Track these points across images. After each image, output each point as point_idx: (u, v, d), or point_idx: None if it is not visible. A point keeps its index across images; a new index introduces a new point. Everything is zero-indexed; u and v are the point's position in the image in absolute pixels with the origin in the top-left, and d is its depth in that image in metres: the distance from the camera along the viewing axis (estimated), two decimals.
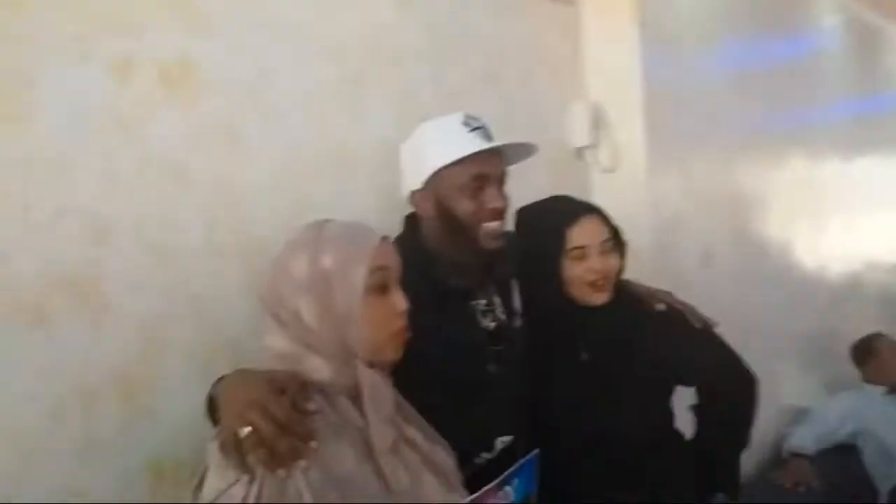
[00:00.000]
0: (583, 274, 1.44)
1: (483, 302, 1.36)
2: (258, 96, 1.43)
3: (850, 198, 3.45)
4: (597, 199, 2.19)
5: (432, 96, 1.76)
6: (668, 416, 1.62)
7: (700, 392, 1.63)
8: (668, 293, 1.63)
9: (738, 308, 2.56)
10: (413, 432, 1.10)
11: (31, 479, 1.12)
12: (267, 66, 1.45)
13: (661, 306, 1.55)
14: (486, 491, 1.18)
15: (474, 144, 1.27)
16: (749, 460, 2.55)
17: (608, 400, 1.48)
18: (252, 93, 1.42)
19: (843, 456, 2.63)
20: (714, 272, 2.44)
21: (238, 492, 0.90)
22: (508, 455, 1.32)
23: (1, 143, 1.11)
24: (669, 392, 1.60)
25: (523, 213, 1.55)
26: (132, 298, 1.24)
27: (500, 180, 1.33)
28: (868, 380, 2.78)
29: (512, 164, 1.39)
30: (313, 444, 0.94)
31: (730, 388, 1.59)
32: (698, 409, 1.65)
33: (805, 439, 2.60)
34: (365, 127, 1.60)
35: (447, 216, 1.30)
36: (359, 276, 1.03)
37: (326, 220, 1.10)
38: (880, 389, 2.69)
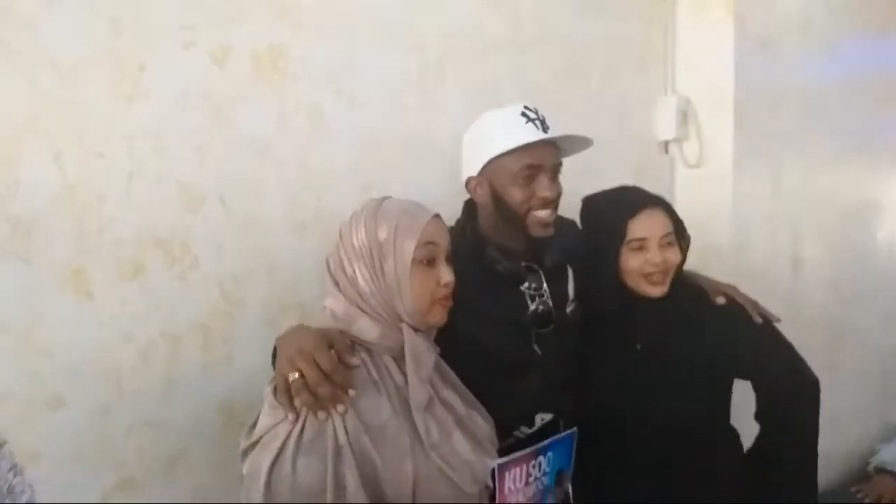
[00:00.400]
0: (641, 266, 1.46)
1: (533, 286, 1.42)
2: (341, 84, 1.56)
3: None
4: (679, 195, 2.22)
5: (511, 89, 1.82)
6: (723, 411, 1.61)
7: (758, 390, 1.61)
8: (733, 287, 1.62)
9: (828, 315, 2.47)
10: (450, 395, 1.19)
11: (122, 410, 1.31)
12: (351, 56, 1.57)
13: (721, 300, 1.55)
14: (519, 456, 1.25)
15: (528, 135, 1.33)
16: (833, 474, 2.47)
17: (658, 390, 1.50)
18: (336, 80, 1.55)
19: None
20: (803, 278, 2.36)
21: (283, 428, 1.03)
22: (548, 432, 1.38)
23: (114, 119, 1.30)
24: (725, 387, 1.59)
25: (588, 201, 1.58)
26: (216, 259, 1.40)
27: (553, 171, 1.37)
28: None
29: (567, 155, 1.43)
30: (351, 392, 1.05)
31: (789, 386, 1.57)
32: (759, 412, 1.63)
33: (894, 455, 2.46)
34: (443, 118, 1.68)
35: (499, 203, 1.37)
36: (408, 248, 1.12)
37: (386, 197, 1.20)
38: None
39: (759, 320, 1.54)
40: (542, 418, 1.40)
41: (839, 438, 2.53)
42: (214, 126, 1.40)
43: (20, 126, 1.22)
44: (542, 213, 1.35)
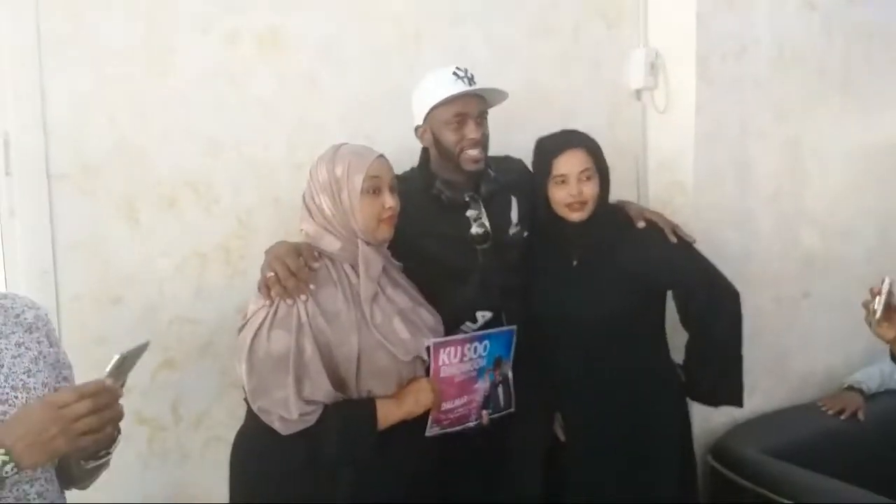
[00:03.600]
0: (563, 197, 1.78)
1: (474, 213, 1.77)
2: (331, 52, 1.92)
3: None
4: (650, 138, 2.49)
5: (484, 51, 2.12)
6: (649, 317, 1.91)
7: (677, 299, 1.91)
8: (658, 213, 1.92)
9: (803, 247, 2.68)
10: (395, 293, 1.57)
11: (162, 309, 1.77)
12: (339, 28, 1.93)
13: (641, 223, 1.86)
14: (455, 339, 1.61)
15: (456, 88, 1.67)
16: (811, 392, 2.71)
17: (592, 296, 1.83)
18: (326, 49, 1.92)
19: None
20: (777, 212, 2.58)
21: (262, 312, 1.44)
22: (488, 323, 1.75)
23: (152, 90, 1.72)
24: (650, 296, 1.89)
25: (537, 142, 1.89)
26: (234, 194, 1.82)
27: (479, 117, 1.71)
28: None
29: (492, 105, 1.76)
30: (312, 287, 1.45)
31: (705, 296, 1.86)
32: (681, 319, 1.93)
33: (868, 375, 2.62)
34: (420, 78, 1.92)
35: (439, 145, 1.73)
36: (358, 181, 1.50)
37: (343, 143, 1.57)
38: None
39: (673, 240, 1.83)
40: (483, 315, 1.76)
41: (816, 359, 2.77)
42: (229, 92, 1.80)
43: (85, 97, 1.66)
44: (473, 152, 1.69)
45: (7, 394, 1.06)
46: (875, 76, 2.80)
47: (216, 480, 1.66)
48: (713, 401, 2.02)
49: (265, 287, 1.45)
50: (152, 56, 1.72)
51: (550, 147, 1.81)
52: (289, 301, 1.43)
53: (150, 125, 1.72)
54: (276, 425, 1.42)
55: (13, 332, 1.13)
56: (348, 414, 1.47)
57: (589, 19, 2.36)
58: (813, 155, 2.65)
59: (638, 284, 1.83)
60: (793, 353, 2.70)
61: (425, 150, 1.82)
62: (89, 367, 1.61)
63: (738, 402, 1.96)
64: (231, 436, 1.59)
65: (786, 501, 2.06)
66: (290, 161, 1.87)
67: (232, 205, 1.82)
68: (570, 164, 1.77)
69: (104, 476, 1.68)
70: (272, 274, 1.44)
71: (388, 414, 1.49)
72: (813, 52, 2.59)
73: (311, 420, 1.43)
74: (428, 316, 1.62)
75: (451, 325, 1.70)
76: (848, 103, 2.73)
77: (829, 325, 2.76)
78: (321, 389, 1.43)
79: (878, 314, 1.51)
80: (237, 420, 1.59)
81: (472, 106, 1.70)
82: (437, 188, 1.76)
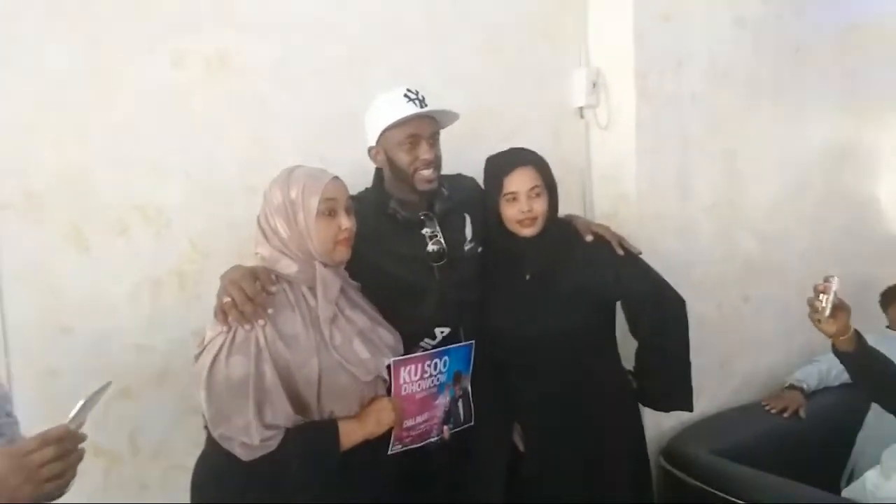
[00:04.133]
0: (514, 214, 1.82)
1: (429, 231, 1.80)
2: (280, 74, 1.93)
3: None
4: (594, 153, 2.56)
5: (431, 70, 2.16)
6: (601, 327, 1.96)
7: (626, 309, 1.97)
8: (605, 226, 1.98)
9: (742, 252, 2.80)
10: (354, 314, 1.57)
11: (115, 337, 1.73)
12: (287, 50, 1.94)
13: (589, 237, 1.91)
14: (414, 357, 1.63)
15: (408, 110, 1.69)
16: (753, 391, 2.81)
17: (544, 310, 1.87)
18: (275, 72, 1.92)
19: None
20: (717, 221, 2.69)
21: (220, 338, 1.43)
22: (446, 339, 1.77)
23: (98, 113, 1.69)
24: (600, 307, 1.94)
25: (487, 161, 1.93)
26: (185, 220, 1.80)
27: (431, 138, 1.74)
28: (891, 326, 2.85)
29: (444, 126, 1.80)
30: (270, 311, 1.45)
31: (652, 305, 1.92)
32: (631, 329, 1.99)
33: (807, 373, 2.74)
34: (370, 98, 1.92)
35: (392, 166, 1.75)
36: (313, 203, 1.51)
37: (297, 166, 1.58)
38: None
39: (620, 252, 1.89)
40: (441, 331, 1.78)
41: (758, 361, 2.89)
42: (177, 114, 1.79)
43: (28, 122, 1.62)
44: (426, 172, 1.72)
45: None
46: (802, 88, 2.96)
47: None
48: (665, 406, 2.08)
49: (221, 313, 1.44)
50: (96, 79, 1.69)
51: (500, 165, 1.85)
52: (246, 326, 1.42)
53: (96, 150, 1.70)
54: (238, 451, 1.41)
55: None
56: (310, 436, 1.46)
57: (532, 40, 2.43)
58: (748, 164, 2.77)
59: (589, 297, 1.88)
60: (735, 356, 2.81)
61: (379, 171, 1.83)
62: (41, 400, 1.60)
63: (688, 406, 2.02)
64: (192, 463, 1.57)
65: (735, 500, 2.14)
66: (242, 183, 1.86)
67: (184, 229, 1.80)
68: (520, 181, 1.81)
69: None
70: (228, 299, 1.43)
71: (351, 434, 1.50)
72: (745, 66, 2.72)
73: (273, 445, 1.42)
74: (387, 335, 1.63)
75: (410, 343, 1.72)
76: (779, 114, 2.87)
77: (769, 328, 2.89)
78: (282, 413, 1.43)
79: (827, 311, 1.60)
80: (198, 447, 1.57)
81: (425, 127, 1.73)
82: (392, 208, 1.78)
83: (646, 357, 2.01)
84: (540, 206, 1.82)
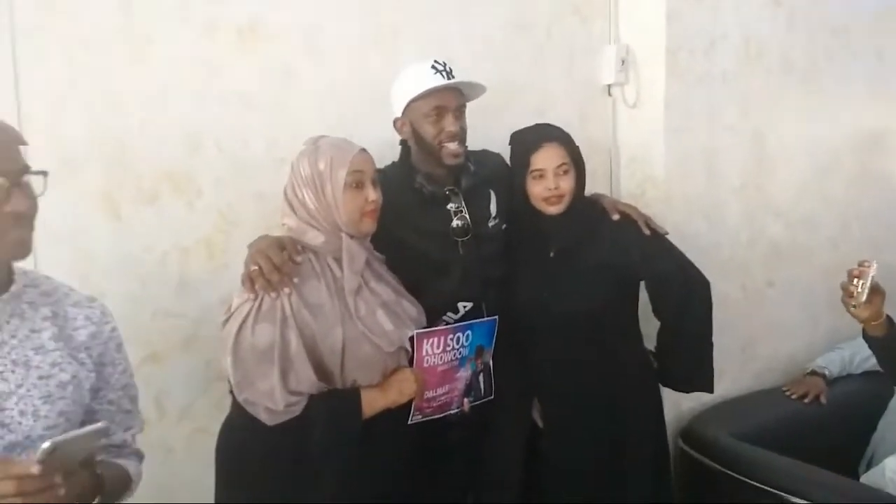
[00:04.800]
0: (541, 191, 1.82)
1: (454, 206, 1.80)
2: (310, 45, 1.93)
3: None
4: (620, 132, 2.54)
5: (459, 44, 2.15)
6: (625, 307, 1.97)
7: (650, 289, 1.97)
8: (632, 206, 1.98)
9: (768, 236, 2.77)
10: (378, 286, 1.59)
11: (146, 302, 1.76)
12: (318, 21, 1.93)
13: (615, 216, 1.91)
14: (437, 330, 1.65)
15: (435, 81, 1.70)
16: (776, 377, 2.80)
17: (569, 287, 1.87)
18: (305, 43, 1.92)
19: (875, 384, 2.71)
20: (744, 204, 2.66)
21: (247, 305, 1.45)
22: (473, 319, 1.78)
23: (131, 81, 1.71)
24: (624, 286, 1.95)
25: (513, 136, 1.93)
26: (215, 189, 1.82)
27: (457, 111, 1.74)
28: None
29: (471, 99, 1.80)
30: (295, 280, 1.47)
31: (677, 286, 1.92)
32: (654, 308, 1.99)
33: (830, 360, 2.72)
34: (399, 71, 1.92)
35: (418, 138, 1.75)
36: (341, 175, 1.52)
37: (321, 136, 1.58)
38: None
39: (647, 232, 1.89)
40: (464, 306, 1.79)
41: (781, 345, 2.87)
42: (208, 83, 1.80)
43: (62, 89, 1.64)
44: (451, 146, 1.72)
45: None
46: (836, 70, 2.90)
47: (202, 474, 1.66)
48: (686, 387, 2.08)
49: (249, 281, 1.46)
50: (130, 46, 1.70)
51: (527, 142, 1.84)
52: (273, 294, 1.44)
53: (128, 118, 1.71)
54: (262, 416, 1.44)
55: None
56: (333, 404, 1.49)
57: (562, 15, 2.40)
58: (778, 147, 2.73)
59: (614, 275, 1.88)
60: (758, 340, 2.79)
61: (405, 144, 1.84)
62: None
63: (709, 388, 2.03)
64: (216, 428, 1.60)
65: (753, 482, 2.14)
66: (270, 155, 1.87)
67: (213, 199, 1.82)
68: (547, 158, 1.81)
69: None
70: (256, 268, 1.45)
71: (373, 402, 1.52)
72: (778, 47, 2.67)
73: (297, 410, 1.45)
74: (411, 307, 1.65)
75: (433, 316, 1.73)
76: (811, 96, 2.82)
77: (793, 313, 2.87)
78: (306, 380, 1.45)
79: (863, 296, 1.59)
80: (222, 412, 1.60)
81: (451, 99, 1.73)
82: (418, 182, 1.78)
83: (668, 337, 2.00)
84: (567, 183, 1.82)
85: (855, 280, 1.60)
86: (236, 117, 1.84)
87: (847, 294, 1.62)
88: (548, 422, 1.98)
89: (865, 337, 1.71)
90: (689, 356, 2.00)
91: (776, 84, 2.69)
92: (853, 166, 3.06)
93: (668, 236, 1.95)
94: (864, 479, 2.24)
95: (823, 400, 2.59)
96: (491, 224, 1.86)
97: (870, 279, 1.59)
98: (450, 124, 1.72)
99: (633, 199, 2.32)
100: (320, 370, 1.48)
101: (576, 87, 2.45)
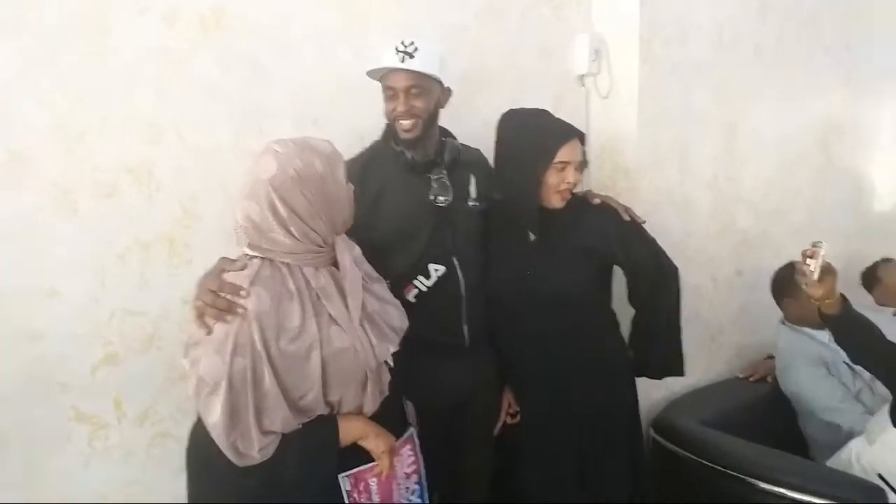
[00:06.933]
0: (558, 183, 1.82)
1: (436, 175, 1.82)
2: (277, 35, 1.86)
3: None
4: (593, 123, 2.51)
5: (431, 34, 2.10)
6: (602, 291, 1.99)
7: (627, 275, 1.97)
8: (609, 196, 1.98)
9: (737, 227, 2.78)
10: (365, 295, 1.47)
11: (104, 300, 1.69)
12: (285, 10, 1.87)
13: (596, 201, 1.93)
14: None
15: (385, 62, 1.73)
16: (741, 363, 2.83)
17: (550, 270, 1.88)
18: (272, 32, 1.86)
19: None
20: (717, 194, 2.67)
21: (207, 340, 1.32)
22: (446, 285, 1.80)
23: (89, 72, 1.63)
24: (603, 271, 1.96)
25: (512, 119, 1.89)
26: (177, 182, 1.75)
27: (407, 91, 1.75)
28: (879, 303, 2.88)
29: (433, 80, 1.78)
30: (242, 293, 1.33)
31: (651, 272, 1.94)
32: (630, 294, 1.99)
33: None
34: (368, 60, 1.88)
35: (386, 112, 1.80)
36: (341, 172, 1.45)
37: (278, 140, 1.41)
38: (889, 311, 2.79)
39: (627, 219, 1.89)
40: (435, 269, 1.80)
41: (748, 332, 2.90)
42: (170, 74, 1.73)
43: (15, 79, 1.55)
44: (403, 122, 1.77)
45: None
46: (807, 61, 2.91)
47: (163, 478, 1.62)
48: (657, 372, 2.09)
49: (199, 319, 1.35)
50: (87, 36, 1.62)
51: (555, 133, 1.84)
52: (228, 318, 1.32)
53: (86, 110, 1.63)
54: (230, 455, 1.31)
55: None
56: (308, 441, 1.38)
57: (535, 4, 2.36)
58: (749, 138, 2.74)
59: (594, 259, 1.90)
60: (727, 329, 2.81)
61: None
62: (20, 364, 1.57)
63: (680, 371, 2.05)
64: (178, 431, 1.55)
65: (724, 469, 2.15)
66: (236, 146, 1.81)
67: (175, 192, 1.75)
68: (573, 152, 1.83)
69: (43, 478, 1.63)
70: (200, 303, 1.34)
71: (352, 431, 1.44)
72: (751, 36, 2.67)
73: (269, 453, 1.34)
74: (395, 314, 1.56)
75: (405, 280, 1.77)
76: (782, 87, 2.83)
77: (761, 302, 2.88)
78: (280, 419, 1.34)
79: (815, 274, 1.68)
80: (184, 414, 1.55)
81: (400, 80, 1.75)
82: (400, 149, 1.81)
83: (641, 323, 2.04)
84: (578, 178, 1.85)
85: (808, 260, 1.70)
86: (200, 108, 1.77)
87: (801, 273, 1.71)
88: (525, 409, 1.98)
89: (821, 316, 1.79)
90: (661, 342, 2.02)
91: (749, 75, 2.69)
92: (820, 158, 3.09)
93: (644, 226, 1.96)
94: (830, 462, 2.26)
95: (770, 380, 2.64)
96: (469, 203, 1.88)
97: (821, 258, 1.68)
98: (399, 104, 1.76)
99: (603, 190, 2.29)
100: (296, 405, 1.37)
101: (549, 77, 2.42)
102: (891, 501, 1.95)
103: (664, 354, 2.03)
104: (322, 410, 1.42)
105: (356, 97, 1.94)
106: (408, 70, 1.73)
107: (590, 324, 1.94)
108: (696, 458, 2.24)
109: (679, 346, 2.03)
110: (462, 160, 1.87)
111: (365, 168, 1.79)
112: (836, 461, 2.23)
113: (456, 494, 1.91)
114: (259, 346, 1.31)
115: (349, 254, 1.46)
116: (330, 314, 1.41)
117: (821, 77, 2.98)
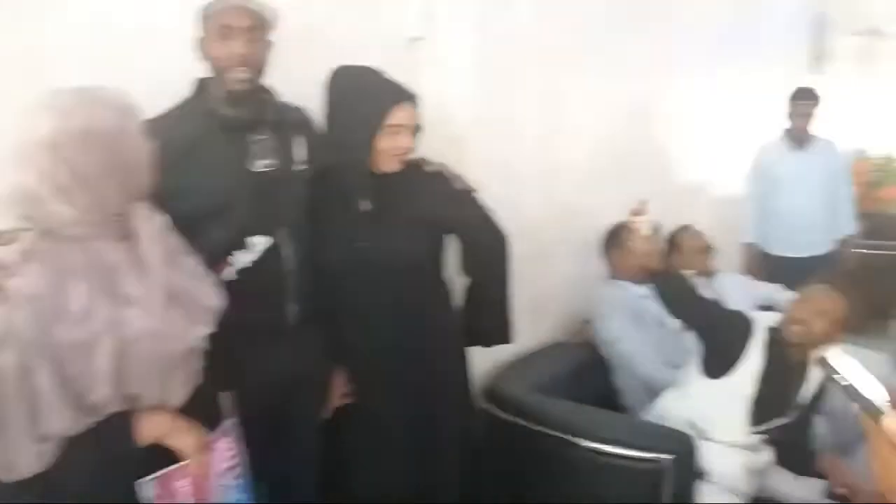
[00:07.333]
0: (392, 147, 1.73)
1: (258, 136, 1.64)
2: None
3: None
4: (425, 90, 2.44)
5: None
6: (437, 261, 1.94)
7: (462, 243, 1.96)
8: (442, 164, 1.93)
9: (564, 197, 2.87)
10: (172, 272, 1.31)
11: None
12: None
13: (430, 168, 1.89)
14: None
15: None
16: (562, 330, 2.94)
17: (386, 238, 1.81)
18: None
19: None
20: (549, 166, 2.75)
21: None
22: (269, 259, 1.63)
23: None
24: (437, 240, 1.92)
25: (341, 77, 1.78)
26: None
27: (248, 33, 1.57)
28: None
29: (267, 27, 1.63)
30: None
31: (485, 239, 1.95)
32: (463, 263, 1.98)
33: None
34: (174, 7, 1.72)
35: (209, 59, 1.59)
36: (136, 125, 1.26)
37: (64, 90, 1.23)
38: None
39: (460, 187, 1.85)
40: (256, 242, 1.63)
41: (572, 299, 3.01)
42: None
43: None
44: (238, 71, 1.57)
45: None
46: (629, 38, 3.04)
47: None
48: (487, 340, 2.11)
49: None
50: None
51: (386, 94, 1.75)
52: None
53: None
54: None
55: None
56: (99, 444, 1.19)
57: None
58: (572, 108, 2.82)
59: (428, 228, 1.86)
60: (551, 296, 2.91)
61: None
62: None
63: (509, 339, 2.10)
64: None
65: (553, 433, 2.21)
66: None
67: None
68: (408, 115, 1.75)
69: None
70: None
71: (159, 426, 1.26)
72: (577, 4, 2.73)
73: (45, 463, 1.14)
74: (208, 291, 1.39)
75: (221, 254, 1.58)
76: (601, 58, 2.93)
77: (584, 269, 3.02)
78: (59, 421, 1.15)
79: (645, 230, 1.82)
80: None
81: (242, 18, 1.56)
82: (216, 107, 1.61)
83: (474, 292, 2.03)
84: (412, 143, 1.78)
85: (636, 217, 1.80)
86: None
87: (630, 230, 1.82)
88: (361, 385, 1.90)
89: (645, 271, 1.94)
90: (493, 310, 2.04)
91: (573, 44, 2.75)
92: (631, 133, 3.26)
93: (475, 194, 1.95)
94: (646, 416, 2.41)
95: (592, 342, 2.78)
96: (296, 168, 1.73)
97: (649, 216, 1.79)
98: (238, 46, 1.55)
99: (434, 158, 2.25)
100: (81, 403, 1.18)
101: (378, 39, 2.31)
102: (700, 448, 2.11)
103: (495, 323, 2.04)
104: (117, 407, 1.23)
105: (162, 37, 1.72)
106: (251, 8, 1.55)
107: (425, 296, 1.90)
108: (524, 423, 2.30)
109: (509, 314, 2.04)
110: (287, 120, 1.71)
111: (170, 126, 1.55)
112: (652, 414, 2.38)
113: (286, 483, 1.78)
114: (30, 334, 1.11)
115: (149, 224, 1.28)
116: (127, 294, 1.22)
117: (639, 47, 3.13)
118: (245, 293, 1.54)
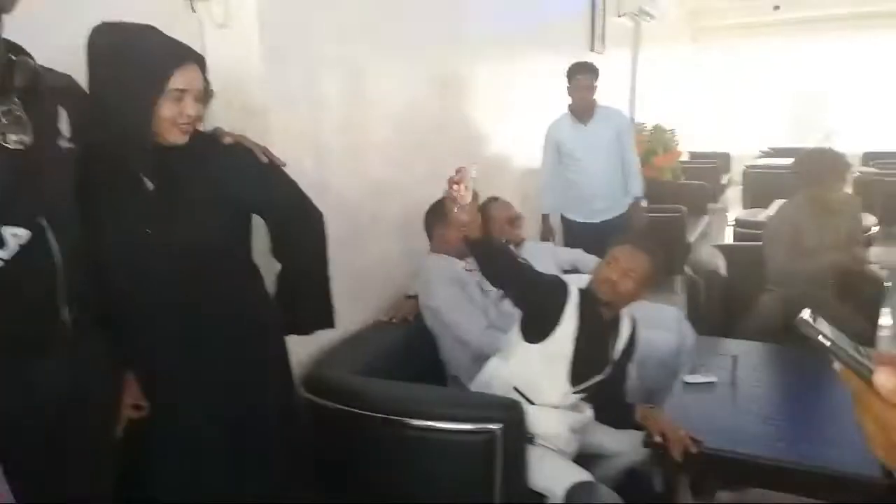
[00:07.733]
0: (175, 116, 1.50)
1: (3, 108, 1.30)
2: None
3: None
4: (210, 54, 2.21)
5: None
6: (242, 243, 1.75)
7: (270, 223, 1.78)
8: (243, 136, 1.74)
9: (374, 173, 2.78)
10: None
11: None
12: None
13: (227, 140, 1.67)
14: None
15: None
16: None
17: (176, 224, 1.57)
18: None
19: None
20: (352, 136, 2.62)
21: None
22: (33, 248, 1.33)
23: None
24: (240, 220, 1.73)
25: (109, 35, 1.51)
26: None
27: None
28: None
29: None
30: None
31: (296, 218, 1.78)
32: (274, 246, 1.80)
33: None
34: None
35: None
36: None
37: None
38: None
39: (265, 160, 1.67)
40: (13, 234, 1.30)
41: (387, 278, 2.93)
42: None
43: None
44: None
45: None
46: (425, 9, 2.99)
47: None
48: (307, 326, 1.96)
49: None
50: None
51: (164, 55, 1.50)
52: None
53: None
54: None
55: None
56: None
57: None
58: (375, 82, 2.72)
59: (229, 207, 1.65)
60: (367, 275, 2.80)
61: None
62: None
63: (331, 323, 1.95)
64: None
65: (376, 414, 2.10)
66: None
67: None
68: (192, 79, 1.52)
69: None
70: None
71: None
72: None
73: None
74: None
75: None
76: (403, 31, 2.85)
77: (397, 247, 2.95)
78: None
79: (466, 198, 1.74)
80: None
81: None
82: None
83: (289, 275, 1.86)
84: (202, 110, 1.56)
85: (456, 185, 1.74)
86: None
87: (451, 199, 1.76)
88: (161, 388, 1.64)
89: (466, 241, 1.88)
90: (311, 293, 1.89)
91: (373, 15, 2.64)
92: (437, 108, 3.24)
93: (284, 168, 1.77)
94: (472, 385, 2.37)
95: (411, 319, 2.75)
96: (61, 145, 1.42)
97: (470, 182, 1.74)
98: None
99: (228, 129, 2.04)
100: None
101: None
102: (528, 410, 2.11)
103: (315, 307, 1.90)
104: None
105: None
106: None
107: (229, 284, 1.68)
108: (348, 408, 2.16)
109: (329, 298, 1.91)
110: (45, 87, 1.39)
111: None
112: (477, 384, 2.35)
113: None
114: None
115: None
116: None
117: (437, 30, 3.10)
118: (3, 298, 1.27)
